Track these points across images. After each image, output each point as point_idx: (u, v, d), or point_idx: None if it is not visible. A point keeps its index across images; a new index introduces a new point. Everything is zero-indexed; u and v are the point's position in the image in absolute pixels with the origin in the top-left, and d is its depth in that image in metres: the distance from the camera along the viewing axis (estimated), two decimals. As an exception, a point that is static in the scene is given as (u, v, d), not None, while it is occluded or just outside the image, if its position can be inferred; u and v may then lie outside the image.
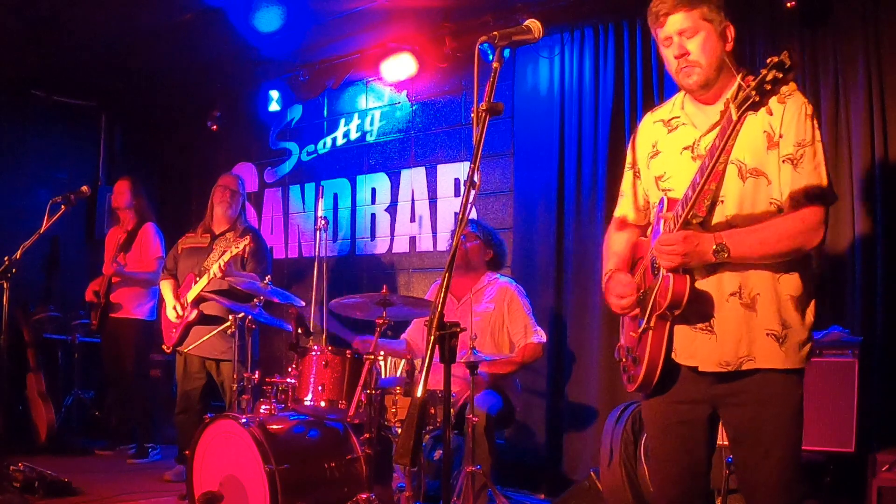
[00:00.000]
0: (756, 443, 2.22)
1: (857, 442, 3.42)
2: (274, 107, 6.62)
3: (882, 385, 3.79)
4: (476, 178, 2.01)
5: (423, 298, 4.41)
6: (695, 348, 2.24)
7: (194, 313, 4.83)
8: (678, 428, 2.33)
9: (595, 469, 3.98)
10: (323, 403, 3.72)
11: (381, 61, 5.80)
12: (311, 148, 6.69)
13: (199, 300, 4.81)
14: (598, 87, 5.00)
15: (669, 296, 2.14)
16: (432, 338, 1.90)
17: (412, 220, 6.02)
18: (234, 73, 6.61)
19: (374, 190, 6.26)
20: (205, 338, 4.77)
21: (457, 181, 5.76)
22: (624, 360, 2.45)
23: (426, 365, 1.89)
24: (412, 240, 6.04)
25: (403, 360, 5.21)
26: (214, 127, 6.78)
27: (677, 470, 2.35)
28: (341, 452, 3.77)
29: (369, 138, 6.31)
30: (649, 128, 2.47)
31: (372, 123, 6.29)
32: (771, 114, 2.18)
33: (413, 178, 6.02)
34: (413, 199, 6.02)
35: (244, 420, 3.61)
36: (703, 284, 2.21)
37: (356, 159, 6.39)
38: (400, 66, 5.73)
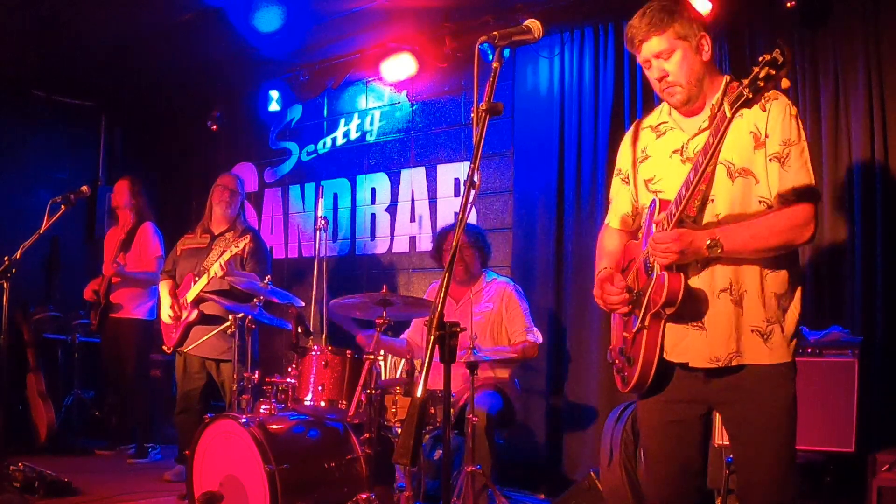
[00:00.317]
0: (749, 439, 2.25)
1: (857, 442, 3.42)
2: (274, 107, 6.62)
3: (882, 385, 3.79)
4: (476, 178, 2.02)
5: (422, 298, 4.42)
6: (686, 345, 2.28)
7: (194, 313, 4.83)
8: (672, 427, 2.35)
9: (595, 469, 3.99)
10: (323, 403, 3.72)
11: (381, 61, 5.79)
12: (311, 148, 6.69)
13: (199, 300, 4.81)
14: (598, 87, 5.00)
15: (665, 294, 2.17)
16: (432, 338, 1.90)
17: (412, 220, 6.02)
18: (234, 73, 6.61)
19: (373, 190, 6.26)
20: (205, 338, 4.77)
21: (457, 181, 5.76)
22: (617, 361, 2.47)
23: (426, 365, 1.89)
24: (412, 240, 6.04)
25: (403, 360, 5.22)
26: (214, 127, 6.79)
27: (671, 469, 2.37)
28: (341, 452, 3.77)
29: (369, 138, 6.31)
30: (638, 134, 2.54)
31: (372, 123, 6.29)
32: (756, 114, 2.23)
33: (413, 178, 6.02)
34: (413, 199, 6.02)
35: (244, 420, 3.61)
36: (695, 281, 2.25)
37: (356, 159, 6.39)
38: (400, 66, 5.73)
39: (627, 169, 2.55)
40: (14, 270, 4.07)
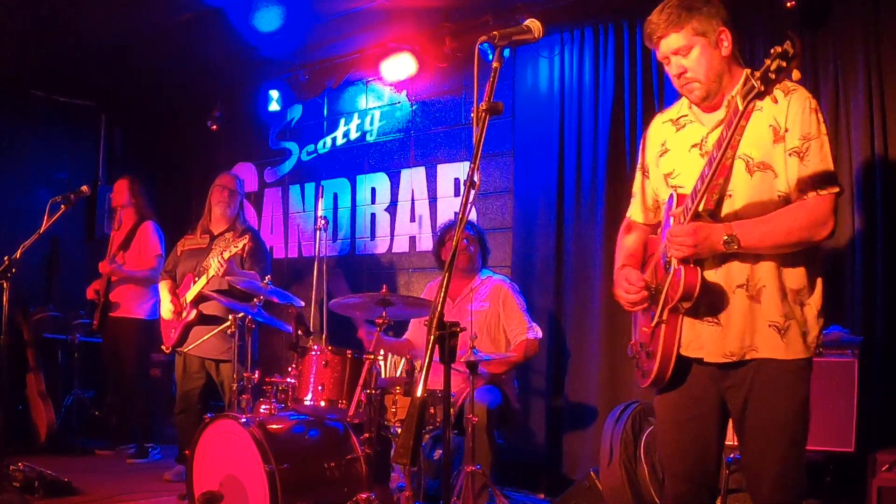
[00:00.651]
0: (761, 433, 2.25)
1: (857, 442, 3.42)
2: (274, 107, 6.62)
3: (882, 385, 3.79)
4: (476, 178, 2.02)
5: (422, 298, 4.42)
6: (701, 340, 2.28)
7: (193, 313, 4.83)
8: (690, 423, 2.36)
9: (595, 469, 3.98)
10: (323, 403, 3.72)
11: (381, 61, 5.80)
12: (310, 148, 6.69)
13: (198, 300, 4.81)
14: (598, 87, 5.00)
15: (681, 288, 2.17)
16: (432, 338, 1.91)
17: (412, 219, 6.02)
18: (234, 73, 6.61)
19: (373, 190, 6.26)
20: (204, 338, 4.77)
21: (457, 181, 5.76)
22: (637, 355, 2.47)
23: (426, 365, 1.89)
24: (412, 240, 6.04)
25: (403, 360, 5.22)
26: (214, 127, 6.78)
27: (688, 465, 2.37)
28: (341, 452, 3.76)
29: (369, 138, 6.31)
30: (658, 128, 2.51)
31: (372, 123, 6.29)
32: (776, 107, 2.21)
33: (413, 178, 6.02)
34: (413, 199, 6.02)
35: (244, 420, 3.61)
36: (712, 276, 2.24)
37: (356, 159, 6.39)
38: (400, 66, 5.73)
39: (648, 163, 2.53)
40: (14, 270, 4.07)
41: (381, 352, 4.42)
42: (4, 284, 4.06)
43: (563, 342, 5.05)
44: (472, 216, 5.47)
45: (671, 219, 2.29)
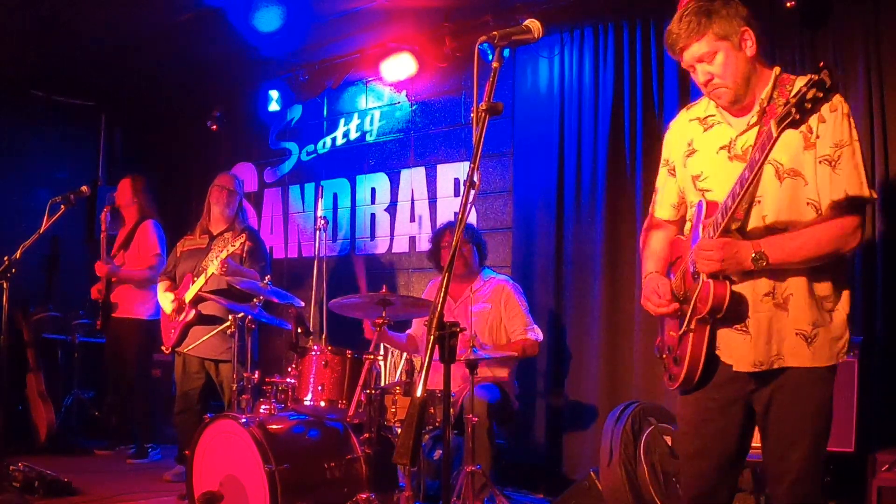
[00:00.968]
0: (782, 436, 2.26)
1: (857, 442, 3.42)
2: (274, 107, 6.62)
3: (882, 385, 3.79)
4: (476, 178, 2.01)
5: (422, 298, 4.42)
6: (731, 348, 2.28)
7: (192, 313, 4.83)
8: (713, 422, 2.36)
9: (595, 469, 3.99)
10: (323, 403, 3.72)
11: (381, 61, 5.80)
12: (310, 148, 6.69)
13: (198, 300, 4.81)
14: (598, 88, 5.00)
15: (710, 301, 2.18)
16: (432, 338, 1.91)
17: (412, 220, 6.02)
18: (234, 73, 6.61)
19: (373, 190, 6.26)
20: (204, 338, 4.77)
21: (456, 181, 5.76)
22: (665, 357, 2.47)
23: (426, 365, 1.89)
24: (412, 240, 6.04)
25: (403, 361, 5.23)
26: (214, 127, 6.78)
27: (709, 464, 2.38)
28: (341, 452, 3.76)
29: (369, 138, 6.31)
30: (684, 125, 2.47)
31: (371, 123, 6.29)
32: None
33: (413, 178, 6.02)
34: (413, 199, 6.02)
35: (244, 420, 3.61)
36: (738, 285, 2.24)
37: (356, 159, 6.39)
38: (400, 66, 5.73)
39: (673, 160, 2.50)
40: (14, 270, 4.07)
41: (381, 352, 4.42)
42: (4, 284, 4.06)
43: (563, 342, 5.05)
44: (472, 216, 5.48)
45: (700, 228, 2.28)
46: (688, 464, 2.47)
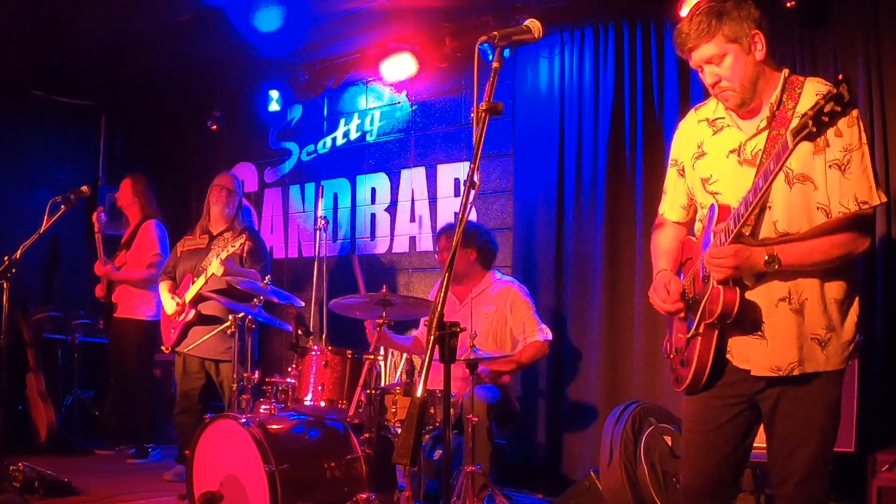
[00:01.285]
0: (790, 436, 2.27)
1: (857, 442, 3.42)
2: (274, 107, 6.62)
3: (882, 385, 3.79)
4: (476, 178, 2.02)
5: (423, 298, 4.41)
6: (748, 353, 2.28)
7: (192, 313, 4.83)
8: (715, 423, 2.36)
9: (595, 469, 3.99)
10: (323, 403, 3.72)
11: (381, 61, 5.79)
12: (311, 148, 6.69)
13: (198, 300, 4.81)
14: (598, 87, 5.00)
15: (720, 307, 2.18)
16: (432, 337, 1.91)
17: (412, 220, 6.02)
18: (234, 73, 6.61)
19: (373, 190, 6.26)
20: (204, 338, 4.77)
21: (457, 181, 5.76)
22: (672, 358, 2.47)
23: (426, 365, 1.89)
24: (412, 240, 6.04)
25: (403, 361, 5.23)
26: (214, 127, 6.78)
27: (711, 462, 2.38)
28: (341, 452, 3.76)
29: (369, 138, 6.31)
30: (693, 126, 2.46)
31: (372, 123, 6.29)
32: None
33: (413, 178, 6.02)
34: (413, 199, 6.02)
35: (244, 420, 3.61)
36: (753, 290, 2.24)
37: (356, 159, 6.39)
38: (400, 66, 5.73)
39: (683, 161, 2.49)
40: (14, 270, 4.07)
41: (381, 352, 4.42)
42: (4, 284, 4.06)
43: (564, 342, 5.05)
44: (472, 216, 5.47)
45: (711, 234, 2.27)
46: (690, 461, 2.48)
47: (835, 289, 2.24)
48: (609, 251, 4.87)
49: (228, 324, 4.27)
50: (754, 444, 2.42)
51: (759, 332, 2.25)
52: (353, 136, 6.40)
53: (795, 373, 2.23)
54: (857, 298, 2.29)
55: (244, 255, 4.78)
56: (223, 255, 4.46)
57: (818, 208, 2.20)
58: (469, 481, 3.62)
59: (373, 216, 6.27)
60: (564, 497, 4.14)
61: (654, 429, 3.81)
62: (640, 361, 4.66)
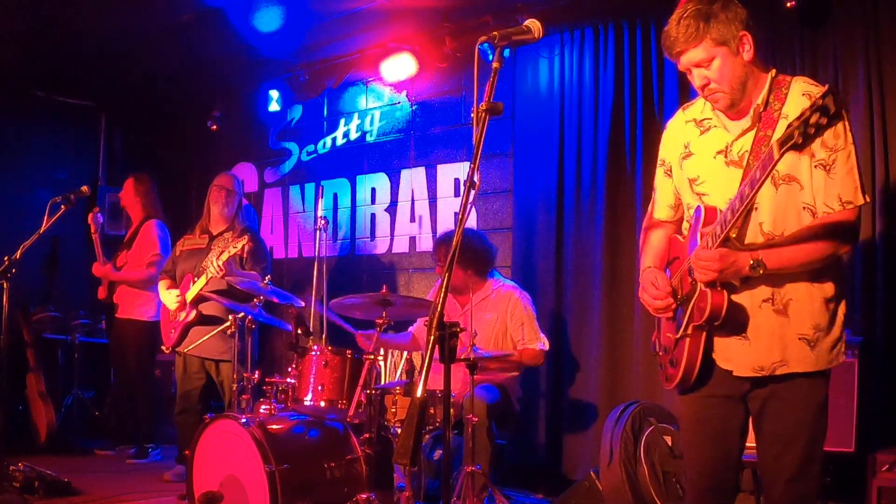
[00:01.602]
0: (778, 436, 2.28)
1: (857, 442, 3.42)
2: (274, 107, 6.62)
3: (882, 385, 3.79)
4: (476, 178, 2.02)
5: (423, 298, 4.41)
6: (730, 353, 2.29)
7: (193, 314, 4.82)
8: (713, 421, 2.38)
9: (595, 469, 3.99)
10: (323, 403, 3.72)
11: (381, 61, 5.79)
12: (311, 148, 6.69)
13: (198, 300, 4.81)
14: (598, 88, 5.00)
15: (708, 311, 2.19)
16: (432, 338, 1.91)
17: (412, 220, 6.02)
18: (234, 73, 6.61)
19: (373, 190, 6.26)
20: (204, 338, 4.77)
21: (457, 181, 5.76)
22: (661, 356, 2.49)
23: (426, 365, 1.89)
24: (412, 240, 6.04)
25: (403, 362, 5.22)
26: (214, 127, 6.78)
27: (712, 462, 2.40)
28: (341, 452, 3.77)
29: (369, 138, 6.31)
30: (681, 127, 2.47)
31: (372, 123, 6.29)
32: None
33: (413, 178, 6.02)
34: (413, 199, 6.02)
35: (244, 420, 3.61)
36: (736, 292, 2.25)
37: (356, 159, 6.39)
38: (400, 66, 5.73)
39: (671, 161, 2.50)
40: (14, 270, 4.07)
41: (381, 352, 4.42)
42: (4, 284, 4.06)
43: (564, 342, 5.05)
44: (472, 216, 5.48)
45: (698, 236, 2.28)
46: (690, 461, 2.49)
47: (823, 288, 2.25)
48: (609, 251, 4.87)
49: (228, 324, 4.27)
50: (747, 444, 2.43)
51: (743, 334, 2.26)
52: (353, 136, 6.40)
53: (779, 372, 2.24)
54: (844, 299, 2.30)
55: (244, 255, 4.78)
56: (224, 256, 4.45)
57: (804, 208, 2.21)
58: (469, 481, 3.62)
59: (373, 216, 6.27)
60: (564, 497, 4.14)
61: (654, 429, 3.81)
62: (640, 361, 4.66)
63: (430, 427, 3.75)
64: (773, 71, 2.28)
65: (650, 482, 3.69)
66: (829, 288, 2.25)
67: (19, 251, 4.10)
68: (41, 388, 5.84)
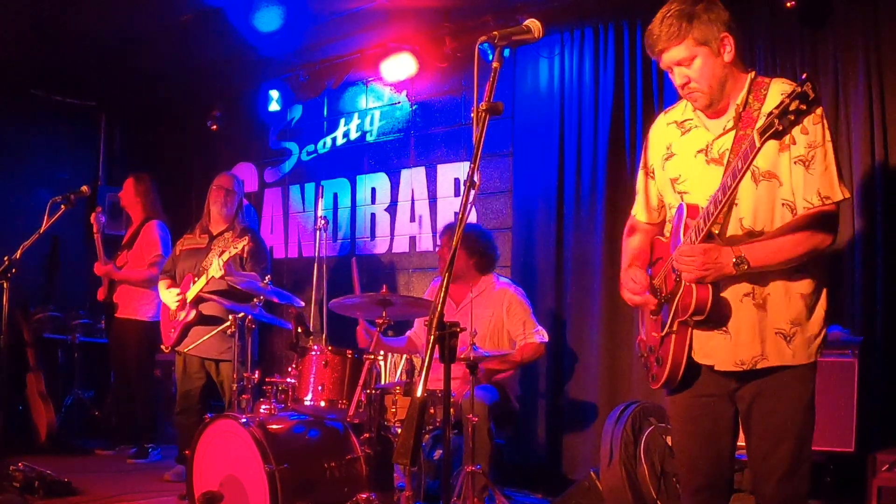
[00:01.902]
0: (766, 434, 2.29)
1: (857, 442, 3.42)
2: (274, 107, 6.62)
3: (882, 385, 3.79)
4: (476, 178, 2.03)
5: (422, 298, 4.41)
6: (711, 348, 2.31)
7: (193, 314, 4.82)
8: (703, 420, 2.40)
9: (595, 469, 3.99)
10: (323, 403, 3.72)
11: (381, 61, 5.79)
12: (311, 148, 6.69)
13: (198, 300, 4.80)
14: (598, 87, 5.00)
15: (693, 305, 2.21)
16: (432, 338, 1.91)
17: (412, 220, 6.02)
18: (234, 73, 6.61)
19: (373, 190, 6.26)
20: (204, 338, 4.77)
21: (457, 181, 5.76)
22: (646, 356, 2.52)
23: (426, 365, 1.89)
24: (412, 240, 6.04)
25: (403, 361, 5.22)
26: (214, 127, 6.78)
27: (704, 461, 2.41)
28: (341, 452, 3.76)
29: (369, 138, 6.31)
30: (663, 129, 2.51)
31: (372, 123, 6.29)
32: None
33: (413, 178, 6.02)
34: (413, 199, 6.02)
35: (244, 420, 3.61)
36: (718, 287, 2.26)
37: (356, 159, 6.39)
38: (400, 66, 5.73)
39: (653, 164, 2.54)
40: (14, 270, 4.07)
41: (381, 352, 4.41)
42: (4, 284, 4.06)
43: (563, 342, 5.05)
44: (472, 216, 5.47)
45: (681, 232, 2.30)
46: (681, 461, 2.52)
47: (800, 284, 2.27)
48: (609, 251, 4.86)
49: (228, 324, 4.27)
50: (738, 444, 2.45)
51: (724, 328, 2.28)
52: (353, 135, 6.40)
53: (759, 366, 2.26)
54: (824, 292, 2.33)
55: (245, 255, 4.77)
56: (224, 256, 4.45)
57: (783, 204, 2.25)
58: (469, 481, 3.62)
59: (373, 216, 6.27)
60: (564, 497, 4.14)
61: (654, 429, 3.81)
62: (639, 361, 4.65)
63: (430, 427, 3.75)
64: (753, 73, 2.33)
65: (650, 482, 3.69)
66: (806, 283, 2.28)
67: (19, 251, 4.09)
68: (41, 388, 5.84)
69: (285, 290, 4.31)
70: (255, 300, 4.20)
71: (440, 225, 5.79)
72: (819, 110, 2.18)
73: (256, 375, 4.04)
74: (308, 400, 3.73)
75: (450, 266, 1.97)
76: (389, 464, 3.77)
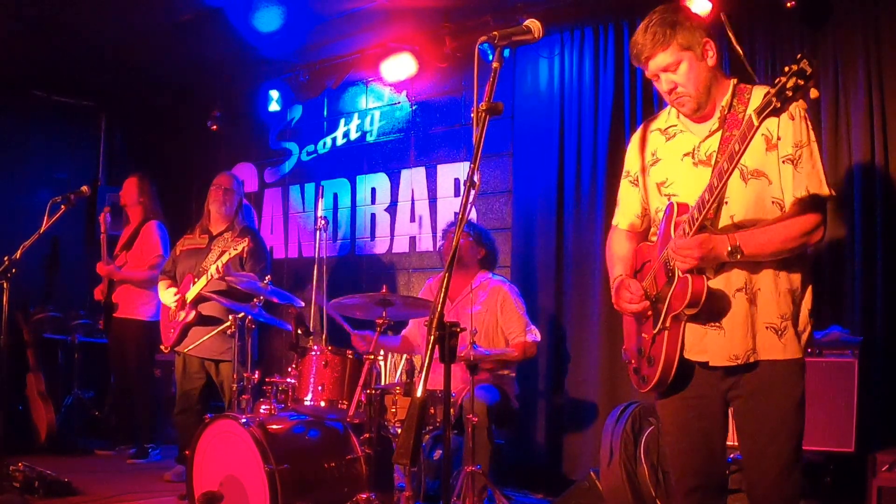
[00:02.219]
0: (759, 432, 2.31)
1: (857, 442, 3.42)
2: (274, 107, 6.62)
3: (882, 385, 3.79)
4: (476, 178, 2.03)
5: (422, 298, 4.41)
6: (705, 344, 2.33)
7: (192, 314, 4.82)
8: (695, 422, 2.41)
9: (595, 469, 3.99)
10: (323, 403, 3.72)
11: (381, 61, 5.79)
12: (311, 148, 6.69)
13: (198, 301, 4.80)
14: (598, 88, 5.00)
15: (688, 296, 2.23)
16: (432, 338, 1.91)
17: (412, 220, 6.02)
18: (234, 73, 6.61)
19: (373, 190, 6.26)
20: (204, 338, 4.76)
21: (457, 181, 5.76)
22: (633, 362, 2.52)
23: (426, 365, 1.89)
24: (412, 240, 6.04)
25: (403, 361, 5.22)
26: (214, 127, 6.78)
27: (696, 462, 2.42)
28: (341, 452, 3.76)
29: (369, 138, 6.31)
30: (645, 137, 2.56)
31: (372, 123, 6.29)
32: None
33: (413, 178, 6.02)
34: (413, 199, 6.02)
35: (244, 420, 3.61)
36: (713, 281, 2.29)
37: (356, 159, 6.39)
38: (400, 66, 5.73)
39: (636, 172, 2.58)
40: (14, 270, 4.07)
41: (381, 352, 4.42)
42: (4, 284, 4.06)
43: (563, 342, 5.05)
44: (473, 216, 5.47)
45: (673, 228, 2.33)
46: (674, 463, 2.53)
47: (788, 279, 2.31)
48: (609, 251, 4.86)
49: (228, 324, 4.27)
50: (729, 444, 2.46)
51: (718, 323, 2.31)
52: (353, 136, 6.40)
53: (752, 360, 2.28)
54: (809, 289, 2.36)
55: (245, 255, 4.77)
56: (224, 257, 4.45)
57: (773, 202, 2.29)
58: (469, 481, 3.62)
59: (373, 216, 6.27)
60: (564, 497, 4.14)
61: (654, 429, 3.81)
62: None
63: (430, 427, 3.75)
64: (735, 79, 2.39)
65: (650, 482, 3.69)
66: (795, 279, 2.32)
67: (19, 251, 4.09)
68: (41, 388, 5.84)
69: (285, 290, 4.31)
70: (254, 300, 4.20)
71: (440, 225, 5.79)
72: (803, 110, 2.26)
73: (256, 376, 4.04)
74: (308, 400, 3.73)
75: (449, 266, 1.97)
76: (389, 464, 3.77)
